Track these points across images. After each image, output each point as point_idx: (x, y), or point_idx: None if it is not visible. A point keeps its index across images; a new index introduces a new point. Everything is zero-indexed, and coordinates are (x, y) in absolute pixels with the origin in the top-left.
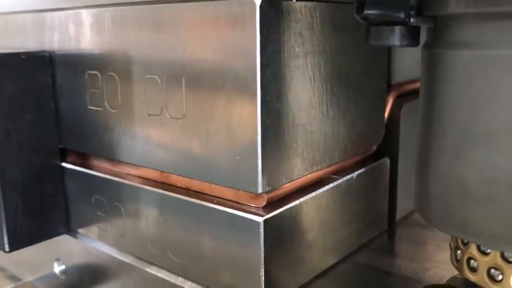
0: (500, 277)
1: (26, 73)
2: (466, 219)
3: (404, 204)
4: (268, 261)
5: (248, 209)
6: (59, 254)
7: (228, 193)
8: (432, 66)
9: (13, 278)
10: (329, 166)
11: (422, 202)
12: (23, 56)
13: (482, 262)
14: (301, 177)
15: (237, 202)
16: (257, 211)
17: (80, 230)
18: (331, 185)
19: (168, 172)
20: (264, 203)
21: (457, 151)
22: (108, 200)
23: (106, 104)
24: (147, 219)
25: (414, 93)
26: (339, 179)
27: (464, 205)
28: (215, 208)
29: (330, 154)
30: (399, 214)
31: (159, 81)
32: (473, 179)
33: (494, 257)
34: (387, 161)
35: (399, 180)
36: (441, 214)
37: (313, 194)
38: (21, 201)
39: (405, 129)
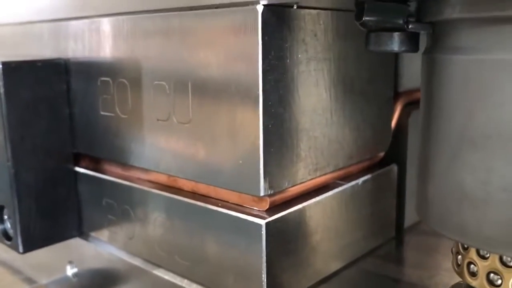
0: (499, 281)
1: (42, 80)
2: (463, 221)
3: (413, 212)
4: (270, 263)
5: (251, 212)
6: (72, 257)
7: (232, 197)
8: (430, 71)
9: (28, 280)
10: (334, 171)
11: (422, 205)
12: (39, 64)
13: (481, 267)
14: (305, 181)
15: (241, 206)
16: (259, 214)
17: (92, 233)
18: (336, 190)
19: (175, 176)
20: (267, 206)
21: (454, 154)
22: (118, 204)
23: (117, 110)
24: (155, 221)
25: None
26: (344, 184)
27: (461, 208)
28: (219, 211)
29: (334, 159)
30: (408, 221)
31: (167, 87)
32: (469, 181)
33: (493, 261)
34: (394, 168)
35: (407, 188)
36: (439, 216)
37: (317, 198)
38: (35, 204)
39: (413, 136)
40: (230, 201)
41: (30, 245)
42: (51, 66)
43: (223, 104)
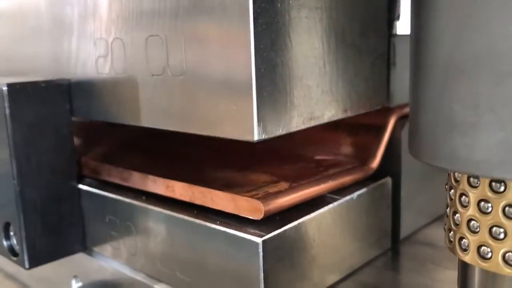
0: (489, 254)
1: (46, 100)
2: (453, 149)
3: (408, 222)
4: (267, 279)
5: (247, 229)
6: (77, 271)
7: (228, 206)
8: (418, 4)
9: None
10: (327, 122)
11: (413, 140)
12: (43, 84)
13: (472, 241)
14: (299, 129)
15: (236, 219)
16: (256, 232)
17: (96, 249)
18: (331, 205)
19: (173, 130)
20: (261, 216)
21: (442, 82)
22: (121, 220)
23: (113, 69)
24: (156, 238)
25: None
26: (339, 199)
27: (451, 135)
28: (217, 229)
29: (328, 110)
30: (404, 232)
31: (160, 39)
32: (459, 108)
33: (483, 235)
34: (389, 180)
35: (402, 199)
36: (430, 148)
37: (313, 214)
38: (40, 220)
39: (407, 149)
40: (225, 210)
41: (36, 261)
42: (55, 86)
43: (215, 51)
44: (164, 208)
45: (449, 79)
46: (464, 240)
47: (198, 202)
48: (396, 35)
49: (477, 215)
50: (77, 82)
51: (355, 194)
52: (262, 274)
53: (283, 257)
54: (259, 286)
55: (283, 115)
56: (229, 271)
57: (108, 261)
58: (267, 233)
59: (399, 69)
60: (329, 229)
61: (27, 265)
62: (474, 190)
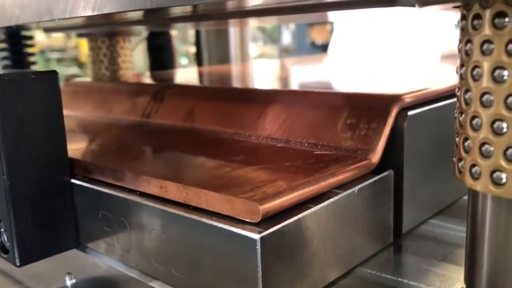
0: (504, 179)
1: (36, 91)
2: None
3: (411, 216)
4: (266, 277)
5: (245, 225)
6: (70, 268)
7: (224, 208)
8: None
9: None
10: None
11: None
12: (33, 76)
13: (484, 166)
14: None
15: (232, 218)
16: (254, 228)
17: (89, 245)
18: (331, 200)
19: None
20: (259, 218)
21: None
22: (114, 216)
23: None
24: (150, 234)
25: (418, 104)
26: (340, 193)
27: None
28: (213, 225)
29: None
30: (406, 227)
31: None
32: None
33: (496, 159)
34: (391, 173)
35: (404, 192)
36: None
37: (313, 209)
38: (31, 216)
39: (409, 140)
40: (221, 212)
41: (27, 258)
42: (45, 77)
43: None
44: (158, 203)
45: None
46: (476, 167)
47: (192, 203)
48: None
49: (491, 137)
50: None
51: (356, 188)
52: (261, 272)
53: (282, 254)
54: (257, 284)
55: None
56: (226, 268)
57: (102, 257)
58: (266, 229)
59: None
60: (330, 224)
61: (18, 263)
62: (487, 110)
